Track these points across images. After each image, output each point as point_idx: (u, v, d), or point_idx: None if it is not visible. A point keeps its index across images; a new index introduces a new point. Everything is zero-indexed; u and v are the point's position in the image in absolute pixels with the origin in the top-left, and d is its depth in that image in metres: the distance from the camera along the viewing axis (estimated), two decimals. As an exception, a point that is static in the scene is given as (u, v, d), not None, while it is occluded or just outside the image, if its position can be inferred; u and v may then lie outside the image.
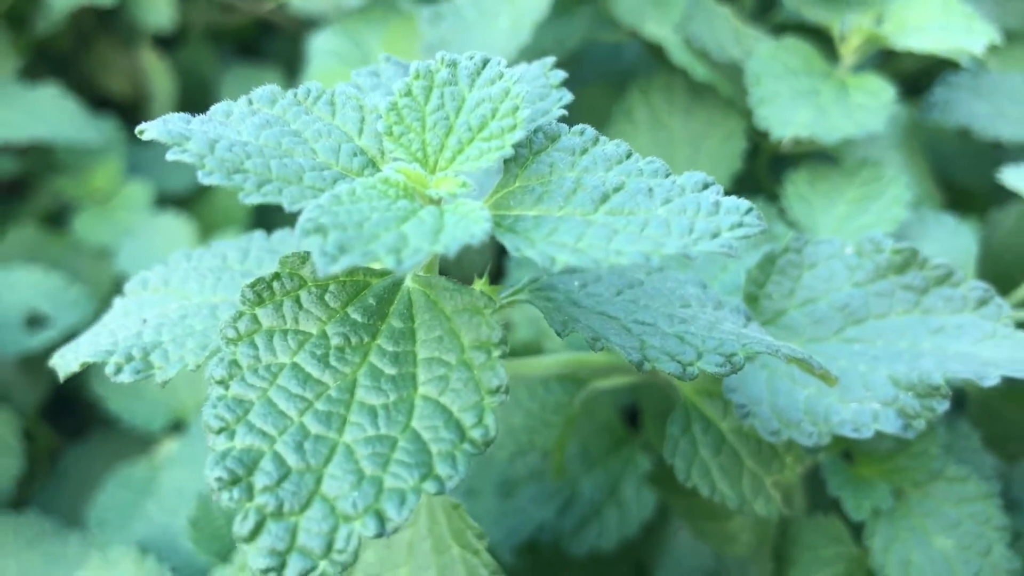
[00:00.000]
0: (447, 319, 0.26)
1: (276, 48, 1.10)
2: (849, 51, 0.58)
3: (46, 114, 0.82)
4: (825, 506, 0.52)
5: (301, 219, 0.23)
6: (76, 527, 0.65)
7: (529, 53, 0.62)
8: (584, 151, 0.28)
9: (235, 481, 0.24)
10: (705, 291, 0.36)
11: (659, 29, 0.58)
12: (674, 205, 0.26)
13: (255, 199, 0.24)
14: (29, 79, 0.91)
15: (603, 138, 0.28)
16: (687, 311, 0.33)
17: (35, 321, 0.72)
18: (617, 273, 0.33)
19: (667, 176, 0.27)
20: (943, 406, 0.36)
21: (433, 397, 0.25)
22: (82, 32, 1.04)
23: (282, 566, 0.24)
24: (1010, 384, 0.59)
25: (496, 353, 0.25)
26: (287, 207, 0.24)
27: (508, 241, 0.24)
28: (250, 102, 0.28)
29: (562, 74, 0.32)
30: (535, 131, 0.28)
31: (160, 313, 0.33)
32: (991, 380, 0.36)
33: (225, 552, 0.53)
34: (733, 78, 0.58)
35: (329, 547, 0.24)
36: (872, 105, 0.54)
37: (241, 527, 0.24)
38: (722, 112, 0.59)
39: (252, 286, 0.27)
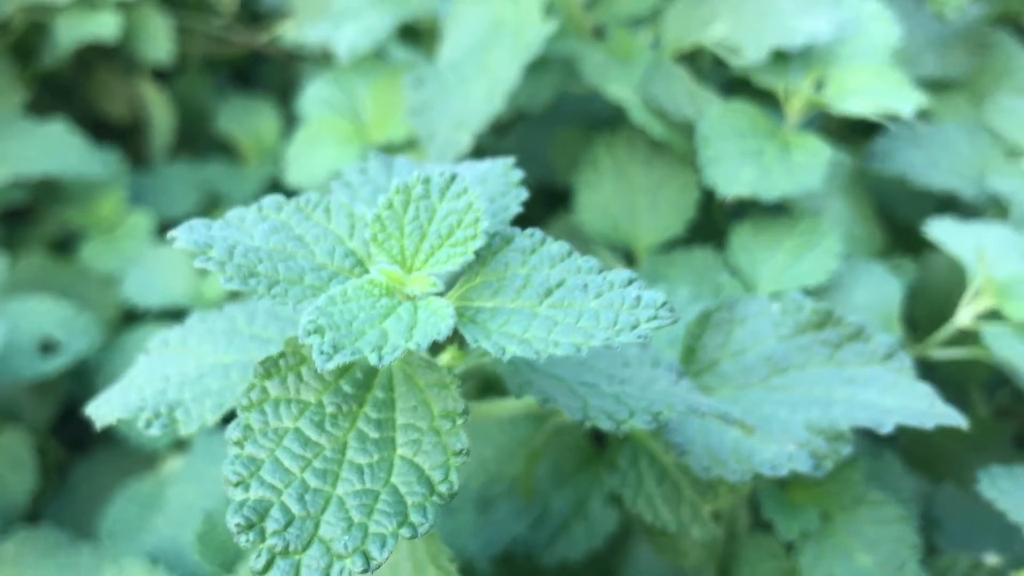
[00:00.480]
0: (420, 391, 0.33)
1: (270, 76, 1.16)
2: (793, 112, 0.64)
3: (55, 149, 0.88)
4: (765, 525, 0.58)
5: (303, 320, 0.29)
6: (87, 539, 0.71)
7: (507, 109, 0.69)
8: (534, 251, 0.34)
9: (250, 526, 0.30)
10: (645, 350, 0.42)
11: (620, 90, 0.65)
12: (603, 299, 0.32)
13: (266, 299, 0.31)
14: (33, 107, 0.97)
15: (549, 239, 0.34)
16: (627, 371, 0.40)
17: (48, 347, 0.78)
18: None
19: (600, 272, 0.33)
20: (847, 450, 0.43)
21: (409, 457, 0.31)
22: (84, 61, 1.09)
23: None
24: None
25: (460, 421, 0.31)
26: (292, 308, 0.30)
27: (467, 333, 0.31)
28: (260, 208, 0.34)
29: (520, 174, 0.38)
30: (494, 235, 0.34)
31: (180, 371, 0.39)
32: (887, 428, 0.42)
33: (229, 563, 0.59)
34: (688, 135, 0.64)
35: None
36: (810, 164, 0.60)
37: (256, 563, 0.30)
38: (679, 165, 0.65)
39: (263, 363, 0.33)
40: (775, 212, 0.64)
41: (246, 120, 1.04)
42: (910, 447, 0.66)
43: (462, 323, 0.31)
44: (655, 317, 0.31)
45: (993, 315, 0.58)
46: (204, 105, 1.10)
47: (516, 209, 0.37)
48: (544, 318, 0.31)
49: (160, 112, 1.03)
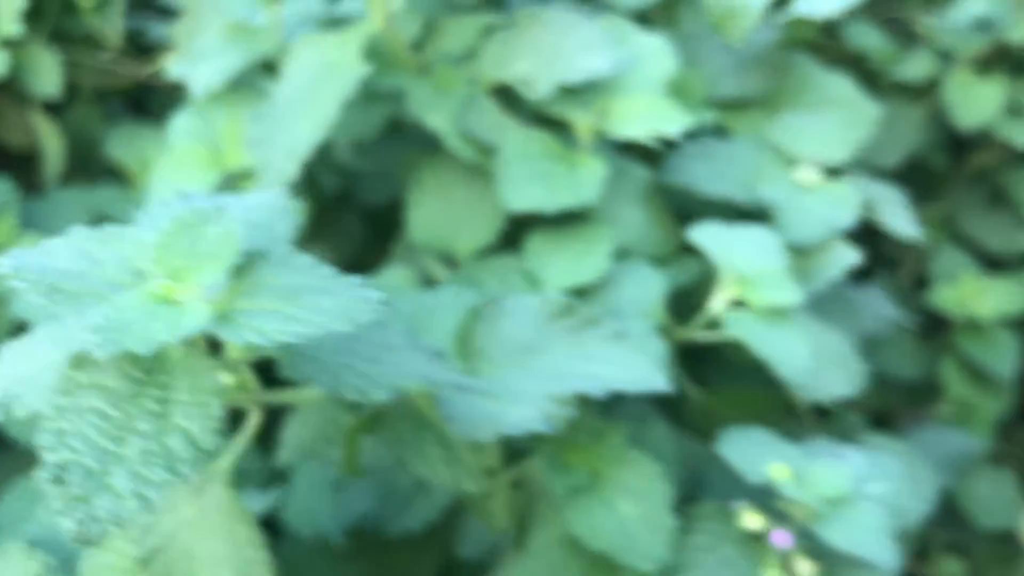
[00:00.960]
0: (195, 375, 0.43)
1: (159, 104, 1.24)
2: (583, 138, 0.75)
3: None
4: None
5: (87, 321, 0.39)
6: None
7: (337, 137, 0.79)
8: (284, 263, 0.44)
9: (57, 481, 0.40)
10: (412, 338, 0.52)
11: (437, 119, 0.75)
12: (338, 294, 0.43)
13: (67, 312, 0.40)
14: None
15: (296, 253, 0.44)
16: (387, 354, 0.50)
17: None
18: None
19: (335, 278, 0.44)
20: (572, 412, 0.54)
21: (181, 425, 0.41)
22: (-18, 94, 1.16)
23: (87, 532, 0.39)
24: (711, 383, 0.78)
25: (217, 397, 0.41)
26: (81, 319, 0.40)
27: (220, 330, 0.41)
28: (68, 237, 0.44)
29: (284, 202, 0.49)
30: (254, 253, 0.44)
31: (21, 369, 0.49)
32: (599, 392, 0.53)
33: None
34: (495, 159, 0.75)
35: (116, 519, 0.40)
36: (591, 181, 0.72)
37: (59, 509, 0.40)
38: (492, 185, 0.76)
39: (73, 357, 0.43)
40: (571, 221, 0.76)
41: (133, 146, 1.12)
42: (693, 417, 0.78)
43: (218, 322, 0.41)
44: (372, 302, 0.42)
45: (740, 304, 0.70)
46: (95, 133, 1.18)
47: (287, 230, 0.47)
48: (284, 314, 0.42)
49: (51, 141, 1.10)
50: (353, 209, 1.00)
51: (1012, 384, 1.10)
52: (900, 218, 0.85)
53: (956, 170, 1.24)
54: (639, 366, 0.56)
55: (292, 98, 0.73)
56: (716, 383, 0.81)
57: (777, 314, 0.68)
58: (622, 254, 0.75)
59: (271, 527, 0.93)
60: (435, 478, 0.58)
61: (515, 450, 0.71)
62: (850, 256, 0.76)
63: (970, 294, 1.09)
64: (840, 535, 0.59)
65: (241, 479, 0.85)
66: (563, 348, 0.57)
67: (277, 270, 0.44)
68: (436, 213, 0.78)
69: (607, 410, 0.74)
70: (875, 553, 0.58)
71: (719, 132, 0.91)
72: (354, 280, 0.44)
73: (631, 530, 0.64)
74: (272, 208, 0.48)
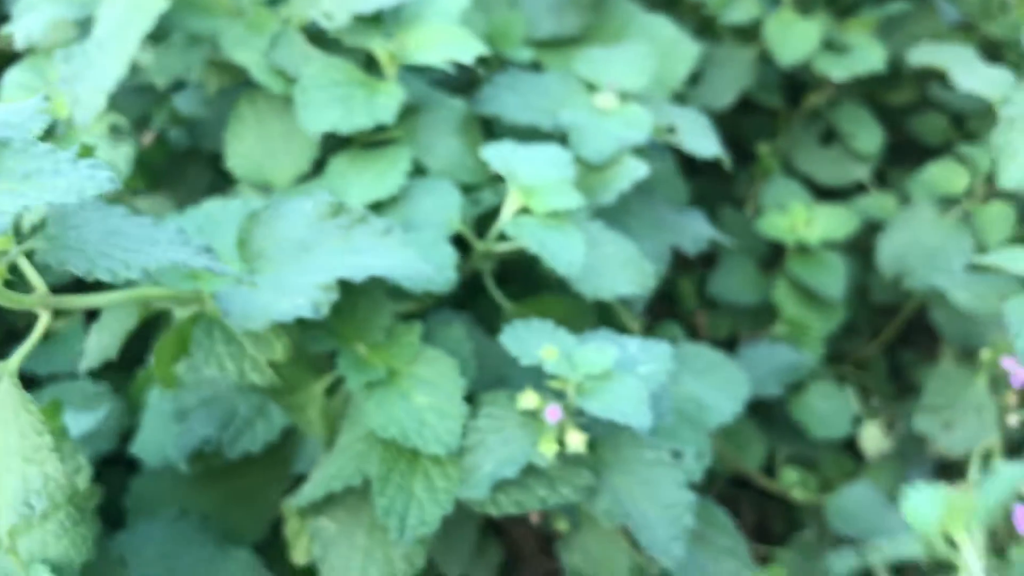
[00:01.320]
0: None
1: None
2: (386, 66, 0.80)
3: None
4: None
5: None
6: None
7: (158, 78, 0.83)
8: (25, 151, 0.48)
9: None
10: (182, 235, 0.57)
11: (245, 55, 0.79)
12: (70, 174, 0.47)
13: None
14: None
15: (36, 143, 0.48)
16: (150, 247, 0.54)
17: None
18: (100, 220, 0.53)
19: (68, 158, 0.48)
20: (334, 296, 0.58)
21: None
22: None
23: None
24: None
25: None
26: None
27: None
28: None
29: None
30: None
31: None
32: (359, 277, 0.58)
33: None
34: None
35: None
36: (389, 105, 0.77)
37: None
38: (302, 114, 0.80)
39: None
40: (376, 147, 0.80)
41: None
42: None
43: None
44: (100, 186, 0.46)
45: (526, 212, 0.75)
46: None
47: (36, 127, 0.52)
48: (18, 192, 0.46)
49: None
50: (201, 158, 1.04)
51: (842, 304, 1.18)
52: (701, 138, 0.92)
53: (792, 110, 1.32)
54: (403, 256, 0.61)
55: (101, 38, 0.76)
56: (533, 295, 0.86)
57: (557, 218, 0.73)
58: (436, 176, 0.80)
59: (127, 464, 0.97)
60: (222, 373, 0.62)
61: (327, 363, 0.76)
62: (639, 169, 0.82)
63: (800, 221, 1.17)
64: (600, 405, 0.65)
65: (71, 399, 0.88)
66: (334, 244, 0.62)
67: (17, 156, 0.48)
68: (254, 146, 0.82)
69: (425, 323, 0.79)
70: (631, 418, 0.64)
71: (536, 68, 0.96)
72: (88, 162, 0.48)
73: (424, 418, 0.69)
74: (26, 112, 0.52)
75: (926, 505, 0.53)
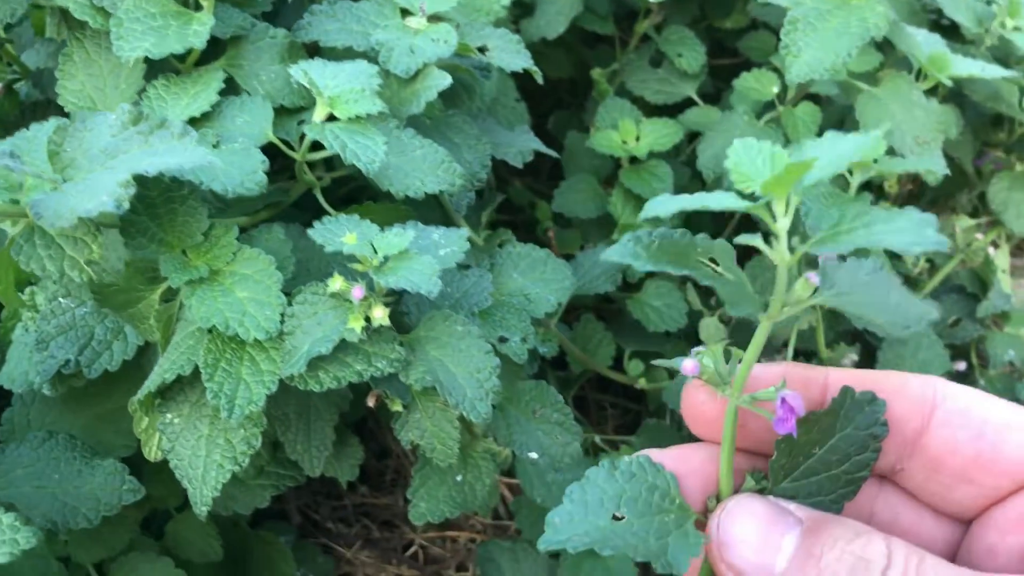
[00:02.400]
0: None
1: None
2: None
3: None
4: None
5: None
6: None
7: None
8: None
9: None
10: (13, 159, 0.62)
11: (61, -4, 0.85)
12: None
13: None
14: None
15: None
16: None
17: None
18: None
19: None
20: (132, 191, 0.65)
21: None
22: None
23: None
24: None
25: None
26: None
27: None
28: None
29: None
30: None
31: None
32: (152, 171, 0.65)
33: None
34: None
35: None
36: (200, 31, 0.83)
37: None
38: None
39: None
40: (196, 73, 0.87)
41: None
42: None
43: None
44: None
45: (333, 119, 0.82)
46: None
47: None
48: None
49: None
50: (51, 108, 1.08)
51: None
52: (512, 55, 1.00)
53: (627, 37, 1.41)
54: (195, 155, 0.67)
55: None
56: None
57: (359, 123, 0.81)
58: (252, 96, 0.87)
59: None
60: (44, 274, 0.68)
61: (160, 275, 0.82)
62: (444, 79, 0.90)
63: (629, 136, 1.26)
64: (396, 279, 0.73)
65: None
66: (135, 149, 0.68)
67: None
68: (84, 82, 0.88)
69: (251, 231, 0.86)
70: (421, 287, 0.73)
71: (357, -1, 1.03)
72: None
73: (244, 309, 0.76)
74: None
75: (753, 159, 0.47)
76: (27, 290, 0.91)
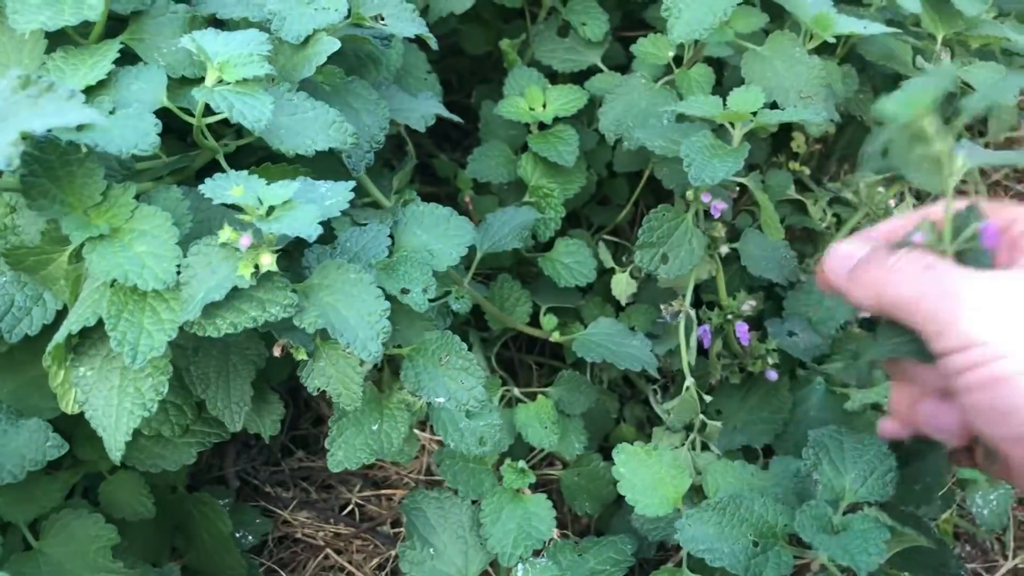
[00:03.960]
0: None
1: None
2: (95, -25, 0.91)
3: None
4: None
5: None
6: None
7: None
8: None
9: None
10: None
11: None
12: None
13: None
14: None
15: None
16: None
17: None
18: None
19: None
20: (21, 149, 0.70)
21: None
22: None
23: None
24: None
25: None
26: None
27: None
28: None
29: None
30: None
31: None
32: (40, 129, 0.70)
33: None
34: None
35: None
36: (95, 4, 0.88)
37: None
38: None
39: None
40: (91, 46, 0.91)
41: None
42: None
43: None
44: None
45: (222, 83, 0.87)
46: None
47: None
48: None
49: None
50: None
51: (580, 172, 1.34)
52: (406, 23, 1.06)
53: (537, 10, 1.47)
54: (80, 114, 0.72)
55: None
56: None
57: (246, 85, 0.86)
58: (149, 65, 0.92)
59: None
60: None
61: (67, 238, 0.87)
62: (333, 44, 0.95)
63: (536, 103, 1.32)
64: (280, 225, 0.79)
65: None
66: (25, 112, 0.73)
67: None
68: (-15, 58, 0.92)
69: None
70: (302, 232, 0.78)
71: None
72: None
73: (143, 262, 0.82)
74: None
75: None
76: (-55, 262, 0.95)
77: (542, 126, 1.33)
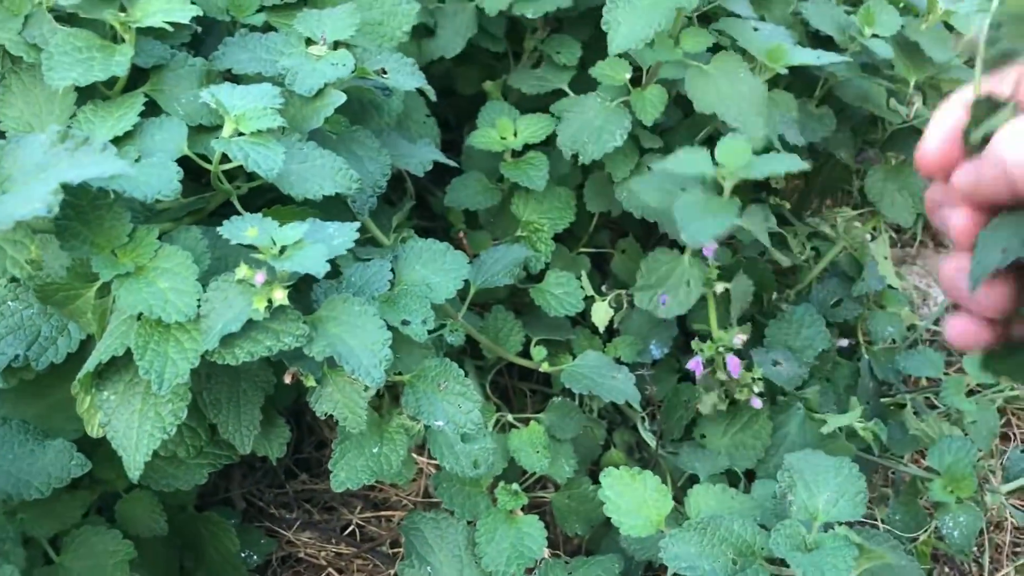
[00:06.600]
0: None
1: None
2: (122, 33, 0.99)
3: None
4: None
5: None
6: None
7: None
8: None
9: None
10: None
11: (3, 35, 0.97)
12: None
13: None
14: None
15: None
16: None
17: None
18: None
19: None
20: (60, 198, 0.78)
21: None
22: None
23: None
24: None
25: None
26: None
27: None
28: None
29: None
30: None
31: None
32: (77, 181, 0.78)
33: None
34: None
35: None
36: (122, 61, 0.96)
37: None
38: (59, 79, 0.99)
39: None
40: (120, 98, 1.00)
41: None
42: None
43: None
44: None
45: (240, 134, 0.96)
46: None
47: None
48: None
49: None
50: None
51: (567, 207, 1.41)
52: (407, 76, 1.14)
53: (518, 51, 1.55)
54: (114, 165, 0.80)
55: None
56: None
57: (261, 136, 0.94)
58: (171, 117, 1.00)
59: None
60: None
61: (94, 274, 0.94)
62: (340, 97, 1.03)
63: (506, 132, 1.38)
64: (291, 263, 0.87)
65: None
66: (63, 163, 0.81)
67: None
68: (23, 109, 1.01)
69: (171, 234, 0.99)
70: (312, 269, 0.86)
71: (268, 29, 1.17)
72: None
73: (166, 297, 0.89)
74: None
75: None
76: (-22, 297, 1.03)
77: (515, 154, 1.40)
